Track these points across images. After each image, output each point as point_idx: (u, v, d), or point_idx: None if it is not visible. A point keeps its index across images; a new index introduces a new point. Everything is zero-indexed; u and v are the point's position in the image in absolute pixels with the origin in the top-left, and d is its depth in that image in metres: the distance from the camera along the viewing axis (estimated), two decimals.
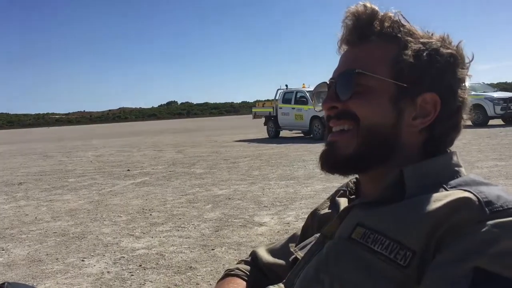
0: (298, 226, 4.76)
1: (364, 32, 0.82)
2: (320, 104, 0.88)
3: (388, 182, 0.77)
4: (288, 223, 4.99)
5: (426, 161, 0.78)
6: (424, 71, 0.78)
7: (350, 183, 0.95)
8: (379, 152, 0.79)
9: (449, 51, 0.79)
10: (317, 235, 0.89)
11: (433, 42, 0.79)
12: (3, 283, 1.08)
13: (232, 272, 1.06)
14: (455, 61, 0.79)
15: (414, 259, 0.67)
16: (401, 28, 0.80)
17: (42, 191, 8.24)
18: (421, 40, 0.79)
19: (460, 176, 0.77)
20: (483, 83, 19.69)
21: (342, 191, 1.00)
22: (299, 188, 7.04)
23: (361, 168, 0.83)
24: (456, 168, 0.79)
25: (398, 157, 0.79)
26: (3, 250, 4.65)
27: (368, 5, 0.82)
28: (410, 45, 0.79)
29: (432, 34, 0.81)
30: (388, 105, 0.78)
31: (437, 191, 0.72)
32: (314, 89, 0.95)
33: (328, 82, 0.85)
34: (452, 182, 0.74)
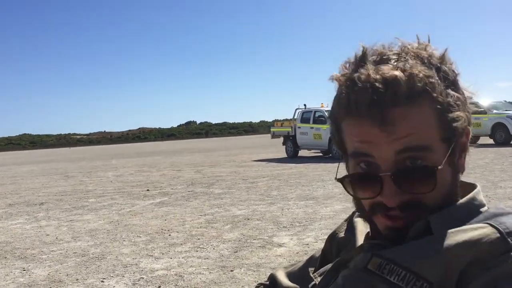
0: (317, 247, 4.70)
1: (395, 101, 0.69)
2: (364, 191, 0.76)
3: (414, 232, 0.74)
4: (307, 244, 4.94)
5: (452, 207, 0.75)
6: (460, 113, 0.73)
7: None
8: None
9: (455, 70, 0.76)
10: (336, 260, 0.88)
11: (450, 75, 0.74)
12: None
13: None
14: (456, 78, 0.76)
15: None
16: (430, 80, 0.70)
17: (63, 211, 8.33)
18: (446, 78, 0.73)
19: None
20: (505, 101, 19.41)
21: (358, 213, 0.98)
22: (318, 208, 6.99)
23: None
24: (481, 209, 0.76)
25: None
26: (24, 270, 4.69)
27: (395, 72, 0.69)
28: (444, 99, 0.71)
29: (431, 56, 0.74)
30: (448, 169, 0.74)
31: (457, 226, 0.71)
32: (350, 179, 0.78)
33: (380, 175, 0.72)
34: (474, 220, 0.72)
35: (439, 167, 0.71)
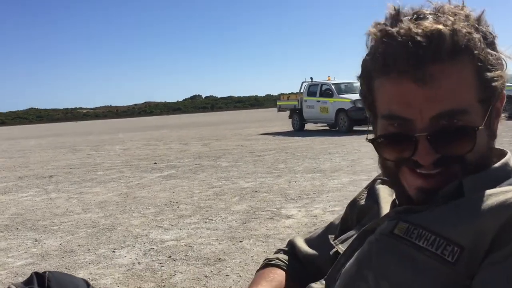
0: (326, 219, 4.74)
1: (436, 57, 0.67)
2: (396, 154, 0.74)
3: (445, 193, 0.72)
4: (315, 216, 4.97)
5: (486, 171, 0.73)
6: (500, 72, 0.71)
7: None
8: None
9: (492, 33, 0.73)
10: (359, 228, 0.87)
11: (488, 36, 0.72)
12: (45, 272, 1.11)
13: (272, 262, 1.05)
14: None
15: (462, 255, 0.64)
16: (472, 36, 0.68)
17: (72, 184, 8.42)
18: (485, 38, 0.71)
19: None
20: None
21: (380, 180, 0.96)
22: (325, 181, 7.01)
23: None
24: None
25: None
26: (36, 241, 4.77)
27: (438, 26, 0.66)
28: (485, 57, 0.69)
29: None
30: (485, 131, 0.72)
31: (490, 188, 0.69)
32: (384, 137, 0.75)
33: (416, 136, 0.70)
34: (506, 183, 0.71)
35: (480, 127, 0.69)
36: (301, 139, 15.18)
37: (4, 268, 3.98)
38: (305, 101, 18.92)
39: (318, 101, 18.12)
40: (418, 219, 0.71)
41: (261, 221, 4.91)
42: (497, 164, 0.75)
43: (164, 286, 3.36)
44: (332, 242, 0.93)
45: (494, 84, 0.71)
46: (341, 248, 0.88)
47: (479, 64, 0.69)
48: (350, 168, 8.03)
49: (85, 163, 11.97)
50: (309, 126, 19.95)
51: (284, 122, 22.32)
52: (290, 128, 19.98)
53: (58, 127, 57.24)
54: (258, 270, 1.06)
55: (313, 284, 0.85)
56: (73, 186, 8.14)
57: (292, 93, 21.25)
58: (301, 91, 19.64)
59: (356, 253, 0.78)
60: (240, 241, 4.28)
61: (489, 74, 0.70)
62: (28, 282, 1.06)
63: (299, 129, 19.43)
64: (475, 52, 0.68)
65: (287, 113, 21.01)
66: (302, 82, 19.76)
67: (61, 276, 1.11)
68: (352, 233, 0.89)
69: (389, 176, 0.80)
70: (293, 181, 7.21)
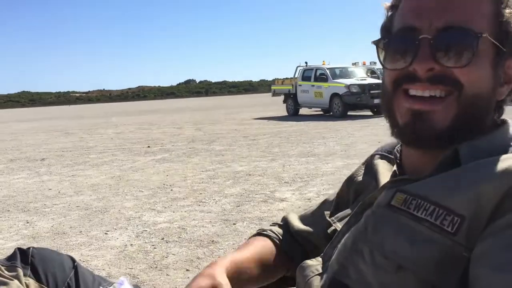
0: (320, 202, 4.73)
1: None
2: (396, 60, 0.73)
3: (441, 161, 0.70)
4: (309, 199, 4.96)
5: (484, 138, 0.71)
6: None
7: (396, 152, 0.86)
8: (476, 124, 0.71)
9: None
10: (356, 205, 0.85)
11: None
12: (29, 248, 1.07)
13: (264, 232, 1.03)
14: None
15: (463, 225, 0.61)
16: None
17: (65, 167, 8.35)
18: None
19: None
20: None
21: (378, 155, 0.94)
22: (319, 164, 6.99)
23: (455, 142, 0.70)
24: None
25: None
26: (27, 222, 4.72)
27: None
28: (508, 2, 0.70)
29: None
30: (489, 70, 0.70)
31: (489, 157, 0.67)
32: (386, 37, 0.77)
33: (420, 38, 0.69)
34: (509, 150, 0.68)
35: (483, 35, 0.67)
36: (295, 123, 15.14)
37: None
38: (300, 85, 18.82)
39: (313, 85, 18.04)
40: (416, 188, 0.69)
41: (254, 204, 4.89)
42: (494, 134, 0.73)
43: (156, 267, 3.34)
44: (329, 220, 0.91)
45: (510, 24, 0.70)
46: (339, 226, 0.87)
47: (504, 6, 0.70)
48: (344, 152, 8.02)
49: (77, 146, 11.89)
50: (303, 111, 19.90)
51: (279, 107, 22.26)
52: (285, 113, 19.93)
53: (50, 111, 56.85)
54: (250, 237, 1.04)
55: (309, 261, 0.83)
56: (66, 169, 8.07)
57: (287, 78, 21.14)
58: (296, 75, 19.54)
59: (352, 228, 0.76)
60: (234, 224, 4.25)
61: (507, 11, 0.70)
62: (10, 258, 1.03)
63: (293, 114, 19.38)
64: None
65: (282, 97, 20.92)
66: (297, 67, 19.65)
67: (46, 252, 1.08)
68: (350, 211, 0.87)
69: (385, 102, 0.78)
70: (287, 164, 7.19)
